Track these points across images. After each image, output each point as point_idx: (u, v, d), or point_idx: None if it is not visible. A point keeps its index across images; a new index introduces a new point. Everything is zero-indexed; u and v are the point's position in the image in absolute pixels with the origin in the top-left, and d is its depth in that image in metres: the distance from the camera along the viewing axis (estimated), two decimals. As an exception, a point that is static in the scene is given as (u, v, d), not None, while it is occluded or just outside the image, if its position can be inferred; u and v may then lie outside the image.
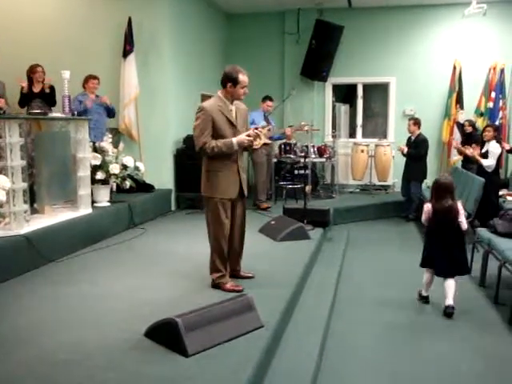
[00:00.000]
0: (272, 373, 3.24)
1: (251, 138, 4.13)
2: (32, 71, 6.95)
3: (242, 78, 4.10)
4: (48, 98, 6.98)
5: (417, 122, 8.46)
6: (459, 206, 4.60)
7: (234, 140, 4.08)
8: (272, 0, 9.59)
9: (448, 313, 4.51)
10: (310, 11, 9.98)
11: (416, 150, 8.35)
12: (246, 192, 4.31)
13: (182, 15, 8.39)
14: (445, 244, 4.59)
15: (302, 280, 4.89)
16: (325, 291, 4.98)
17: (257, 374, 2.98)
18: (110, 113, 7.41)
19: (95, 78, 7.19)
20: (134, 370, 2.89)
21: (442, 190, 4.61)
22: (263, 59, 10.41)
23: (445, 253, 4.59)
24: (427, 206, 4.72)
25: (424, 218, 4.81)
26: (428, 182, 9.32)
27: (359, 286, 5.51)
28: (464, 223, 4.59)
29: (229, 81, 4.10)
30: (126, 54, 7.84)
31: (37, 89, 7.00)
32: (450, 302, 4.53)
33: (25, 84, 6.89)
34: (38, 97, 6.93)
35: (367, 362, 3.78)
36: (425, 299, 4.91)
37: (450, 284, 4.56)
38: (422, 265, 4.85)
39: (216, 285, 4.23)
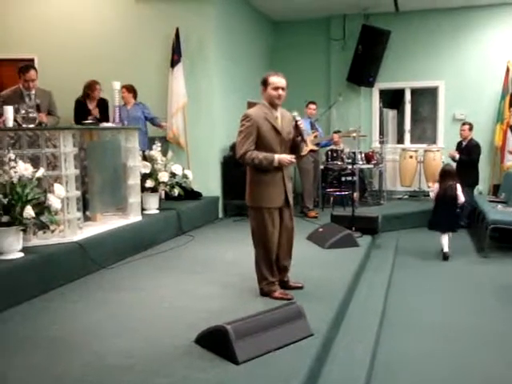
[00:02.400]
0: (323, 382, 3.21)
1: (294, 161, 4.10)
2: (91, 88, 6.87)
3: (272, 79, 4.05)
4: (103, 112, 6.95)
5: (472, 127, 8.25)
6: (458, 186, 6.54)
7: (276, 157, 4.01)
8: (317, 7, 9.58)
9: (445, 257, 6.55)
10: (355, 17, 9.92)
11: (469, 155, 8.13)
12: (291, 201, 4.24)
13: (228, 24, 8.49)
14: (444, 211, 6.55)
15: (351, 288, 4.83)
16: (374, 299, 4.91)
17: (307, 383, 2.95)
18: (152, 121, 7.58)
19: (123, 87, 7.18)
20: (184, 376, 2.91)
21: (446, 175, 6.67)
22: (309, 66, 10.40)
23: (443, 217, 6.56)
24: (436, 186, 6.81)
25: (432, 194, 6.89)
26: (480, 188, 9.10)
27: (409, 294, 5.41)
28: (461, 197, 6.53)
29: (261, 85, 4.10)
30: (173, 63, 7.97)
31: (92, 106, 6.95)
32: (446, 249, 6.59)
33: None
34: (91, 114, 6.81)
35: (419, 373, 3.69)
36: (445, 255, 6.59)
37: (446, 237, 6.60)
38: (429, 227, 6.81)
39: (265, 293, 4.21)
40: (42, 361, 3.14)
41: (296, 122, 4.18)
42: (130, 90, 7.39)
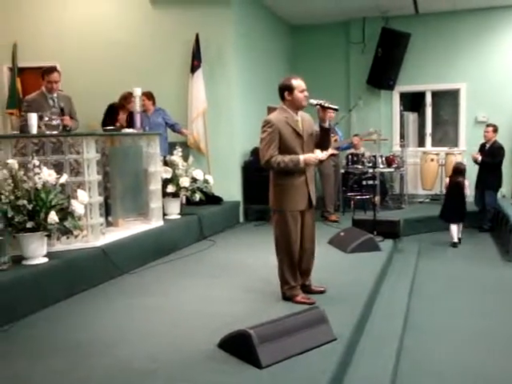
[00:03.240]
0: (346, 387, 3.19)
1: (318, 159, 4.11)
2: (126, 100, 6.84)
3: (296, 82, 4.09)
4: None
5: (496, 129, 8.14)
6: (466, 182, 7.33)
7: (301, 158, 4.05)
8: (336, 11, 9.57)
9: (454, 246, 7.35)
10: (375, 20, 9.87)
11: (492, 158, 8.02)
12: (314, 201, 4.26)
13: (247, 29, 8.52)
14: (452, 204, 7.35)
15: (374, 292, 4.79)
16: (397, 303, 4.86)
17: (331, 388, 2.93)
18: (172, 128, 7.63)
19: (143, 94, 7.17)
20: (208, 381, 2.92)
21: (457, 171, 7.42)
22: (328, 69, 10.38)
23: (452, 209, 7.32)
24: (447, 180, 7.60)
25: (445, 186, 7.76)
26: (504, 190, 8.97)
27: (432, 298, 5.35)
28: (468, 190, 7.37)
29: (285, 89, 4.10)
30: (193, 69, 8.02)
31: (124, 117, 6.90)
32: (455, 239, 7.37)
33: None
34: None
35: (444, 378, 3.64)
36: (453, 244, 7.39)
37: (454, 227, 7.38)
38: (440, 216, 7.54)
39: (287, 297, 4.21)
40: (66, 365, 3.17)
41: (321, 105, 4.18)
42: (150, 97, 7.44)
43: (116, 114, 6.92)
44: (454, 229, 7.37)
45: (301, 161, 4.05)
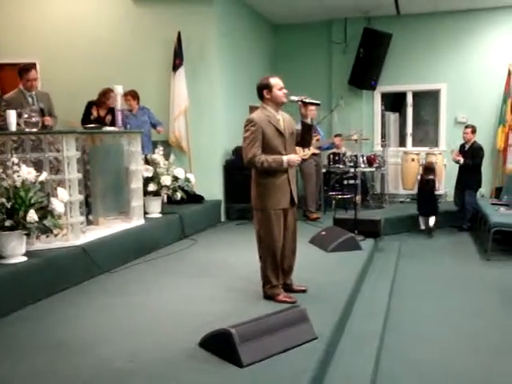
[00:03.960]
0: (327, 385, 3.21)
1: (301, 158, 4.14)
2: (106, 96, 6.88)
3: (274, 80, 4.12)
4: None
5: (474, 130, 8.23)
6: (436, 180, 8.27)
7: (285, 158, 4.07)
8: (319, 10, 9.59)
9: (429, 233, 8.10)
10: (357, 20, 9.92)
11: (472, 158, 8.11)
12: (296, 199, 4.28)
13: (229, 28, 8.50)
14: (424, 200, 8.13)
15: (355, 291, 4.82)
16: (378, 302, 4.90)
17: (312, 386, 2.95)
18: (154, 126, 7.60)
19: (128, 94, 7.31)
20: (189, 380, 2.91)
21: (427, 170, 8.22)
22: (310, 69, 10.40)
23: (425, 204, 8.12)
24: (419, 178, 8.52)
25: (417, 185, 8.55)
26: (483, 190, 9.10)
27: (413, 297, 5.40)
28: (437, 187, 8.36)
29: (263, 88, 4.12)
30: (175, 67, 7.99)
31: (102, 113, 6.95)
32: (431, 225, 8.05)
33: (95, 112, 6.93)
34: (102, 120, 6.84)
35: (423, 377, 3.67)
36: (421, 230, 8.21)
37: (428, 219, 8.09)
38: (418, 211, 8.25)
39: (268, 296, 4.21)
40: (47, 365, 3.14)
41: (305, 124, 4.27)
42: (135, 96, 7.43)
43: (96, 112, 6.92)
44: (430, 220, 8.07)
45: (284, 161, 4.06)
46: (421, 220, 8.24)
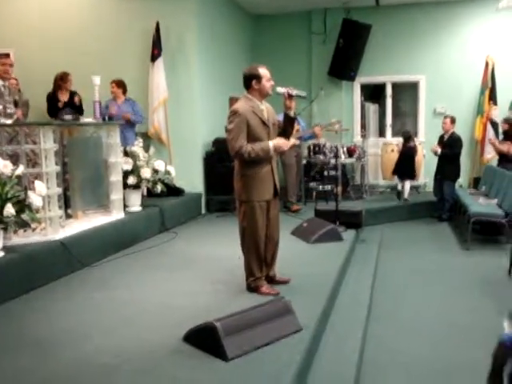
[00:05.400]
0: (312, 377, 3.19)
1: (289, 144, 4.11)
2: (63, 80, 6.91)
3: (263, 71, 4.08)
4: (77, 107, 6.94)
5: (453, 120, 8.27)
6: (417, 147, 8.70)
7: (271, 144, 4.04)
8: (298, 1, 9.54)
9: (400, 197, 8.78)
10: (336, 11, 9.90)
11: (450, 149, 8.16)
12: (278, 190, 4.26)
13: (208, 19, 8.40)
14: (404, 164, 8.53)
15: (338, 282, 4.82)
16: (360, 293, 4.91)
17: (298, 378, 2.93)
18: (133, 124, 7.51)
19: (113, 81, 7.32)
20: (173, 375, 2.87)
21: (407, 138, 8.64)
22: (290, 60, 10.35)
23: (404, 168, 8.55)
24: (400, 145, 8.82)
25: (397, 151, 8.88)
26: (461, 181, 9.18)
27: (395, 288, 5.42)
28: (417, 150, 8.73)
29: (252, 78, 4.06)
30: (154, 58, 7.88)
31: (65, 97, 6.96)
32: (406, 196, 8.73)
33: (61, 97, 6.92)
34: (66, 105, 6.86)
35: (407, 367, 3.69)
36: (398, 194, 8.93)
37: (406, 184, 8.66)
38: (393, 173, 8.78)
39: (251, 288, 4.19)
40: (28, 361, 3.08)
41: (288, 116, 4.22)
42: (120, 85, 7.36)
43: (57, 99, 6.94)
44: (405, 185, 8.69)
45: (271, 148, 4.03)
46: (403, 187, 8.69)
